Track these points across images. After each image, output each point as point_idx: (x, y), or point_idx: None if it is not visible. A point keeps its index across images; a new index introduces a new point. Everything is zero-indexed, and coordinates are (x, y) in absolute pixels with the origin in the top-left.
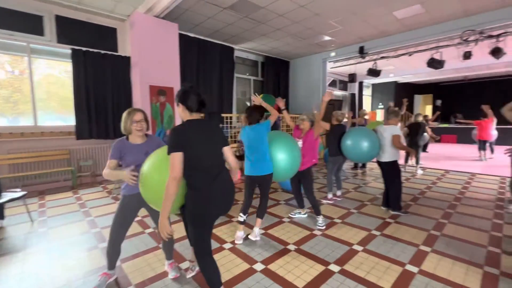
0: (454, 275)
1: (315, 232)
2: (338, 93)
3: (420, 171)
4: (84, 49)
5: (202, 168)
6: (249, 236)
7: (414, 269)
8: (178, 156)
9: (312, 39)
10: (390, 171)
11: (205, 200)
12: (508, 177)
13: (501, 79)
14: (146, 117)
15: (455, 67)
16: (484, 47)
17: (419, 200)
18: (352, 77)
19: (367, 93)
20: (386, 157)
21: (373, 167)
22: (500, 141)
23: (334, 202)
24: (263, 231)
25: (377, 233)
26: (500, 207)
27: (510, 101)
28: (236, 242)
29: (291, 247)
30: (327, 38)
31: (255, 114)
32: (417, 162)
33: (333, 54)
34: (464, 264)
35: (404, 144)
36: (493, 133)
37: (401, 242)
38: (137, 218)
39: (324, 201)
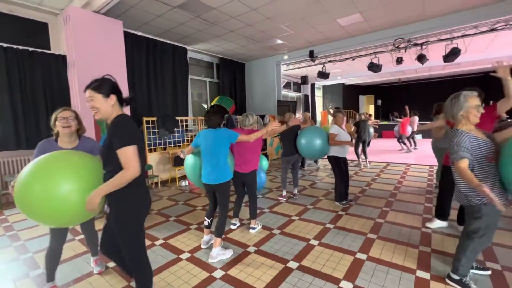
0: (396, 257)
1: (274, 231)
2: (292, 94)
3: (368, 165)
4: (5, 45)
5: (142, 164)
6: (208, 260)
7: (363, 256)
8: (135, 149)
9: (265, 42)
10: (331, 165)
11: (147, 195)
12: (435, 166)
13: (426, 81)
14: (78, 117)
15: (390, 71)
16: (412, 53)
17: (366, 192)
18: (304, 79)
19: (318, 94)
20: (330, 153)
21: (326, 163)
22: (425, 135)
23: (287, 200)
24: (223, 236)
25: (331, 226)
26: (430, 192)
27: (433, 101)
28: (201, 246)
29: (251, 249)
30: (279, 41)
31: (214, 118)
32: (365, 157)
33: (286, 57)
34: (404, 246)
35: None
36: (408, 129)
37: (352, 232)
38: (80, 237)
39: (281, 199)
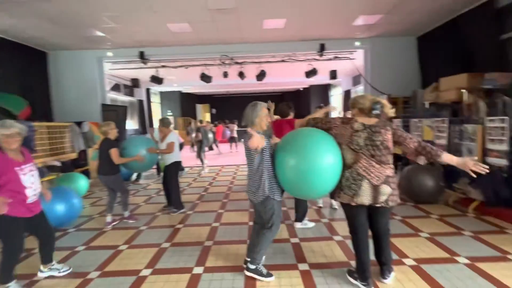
0: (229, 259)
1: (91, 275)
2: (123, 98)
3: (206, 170)
4: None
5: None
6: None
7: (200, 269)
8: None
9: (79, 30)
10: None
11: None
12: None
13: (249, 95)
14: None
15: (220, 83)
16: (235, 70)
17: (204, 197)
18: (135, 82)
19: (156, 100)
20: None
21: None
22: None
23: (113, 227)
24: None
25: (167, 245)
26: None
27: None
28: None
29: None
30: (100, 33)
31: None
32: (203, 162)
33: (110, 54)
34: (236, 245)
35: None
36: (227, 134)
37: (189, 245)
38: None
39: (105, 227)
